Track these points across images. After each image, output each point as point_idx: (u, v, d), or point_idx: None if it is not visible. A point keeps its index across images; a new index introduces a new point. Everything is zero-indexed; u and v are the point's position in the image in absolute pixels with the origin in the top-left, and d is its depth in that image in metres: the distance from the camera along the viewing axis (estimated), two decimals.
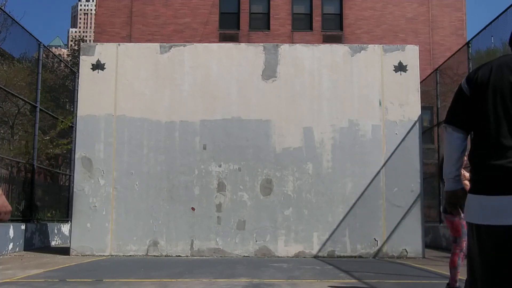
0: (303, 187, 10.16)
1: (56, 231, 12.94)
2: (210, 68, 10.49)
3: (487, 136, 2.30)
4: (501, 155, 2.24)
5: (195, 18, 23.90)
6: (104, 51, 10.52)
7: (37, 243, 11.51)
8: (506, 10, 9.83)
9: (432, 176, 14.12)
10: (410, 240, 9.96)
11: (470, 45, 11.43)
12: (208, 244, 10.00)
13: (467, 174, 5.44)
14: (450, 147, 2.44)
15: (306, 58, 10.56)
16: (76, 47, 36.60)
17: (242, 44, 11.46)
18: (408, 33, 23.54)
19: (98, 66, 10.42)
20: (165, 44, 10.81)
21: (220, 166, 10.19)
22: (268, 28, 24.03)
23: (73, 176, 11.15)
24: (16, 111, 16.13)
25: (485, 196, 2.26)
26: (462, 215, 2.48)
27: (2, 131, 16.74)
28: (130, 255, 9.86)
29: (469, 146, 2.49)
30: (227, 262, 8.73)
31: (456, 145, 2.42)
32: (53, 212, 13.52)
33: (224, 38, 23.10)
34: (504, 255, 2.19)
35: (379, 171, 10.19)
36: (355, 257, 9.95)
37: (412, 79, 10.33)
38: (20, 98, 13.61)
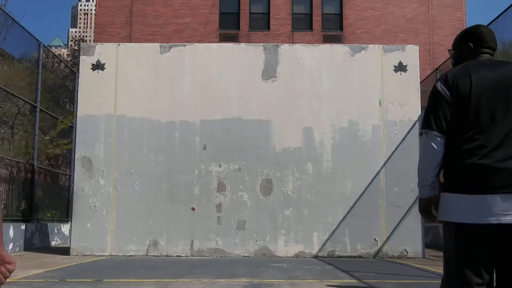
0: (303, 187, 10.16)
1: (56, 231, 12.94)
2: (210, 68, 10.49)
3: (470, 138, 2.36)
4: (486, 155, 2.32)
5: (195, 18, 23.91)
6: (104, 51, 10.52)
7: (37, 243, 11.51)
8: (506, 10, 9.83)
9: None
10: (410, 240, 9.96)
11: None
12: (208, 244, 10.00)
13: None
14: (431, 153, 2.46)
15: (306, 58, 10.56)
16: (76, 47, 36.63)
17: (242, 44, 11.46)
18: (408, 33, 23.55)
19: (98, 66, 10.42)
20: (165, 44, 10.81)
21: (220, 166, 10.19)
22: (268, 28, 24.03)
23: (73, 176, 11.15)
24: (16, 111, 16.12)
25: (470, 196, 2.32)
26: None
27: (2, 131, 16.74)
28: (130, 255, 9.86)
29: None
30: (227, 262, 8.73)
31: (439, 150, 2.44)
32: (53, 212, 13.52)
33: (224, 38, 23.10)
34: (485, 251, 2.29)
35: (379, 171, 10.19)
36: (355, 257, 9.95)
37: (412, 79, 10.33)
38: (20, 98, 13.61)
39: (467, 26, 24.20)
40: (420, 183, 2.52)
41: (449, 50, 2.80)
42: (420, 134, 2.54)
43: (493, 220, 2.27)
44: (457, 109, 2.40)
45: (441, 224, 2.53)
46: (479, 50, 2.58)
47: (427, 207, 2.51)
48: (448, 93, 2.41)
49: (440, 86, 2.45)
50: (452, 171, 2.41)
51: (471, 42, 2.60)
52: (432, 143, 2.44)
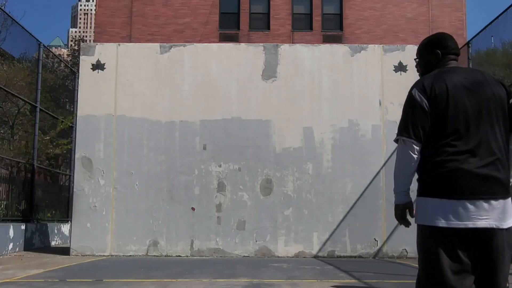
0: (303, 187, 10.16)
1: (56, 231, 12.94)
2: (210, 68, 10.49)
3: (448, 144, 2.42)
4: (465, 161, 2.38)
5: (195, 18, 23.90)
6: (104, 51, 10.52)
7: (37, 243, 11.51)
8: (506, 10, 9.82)
9: None
10: (410, 240, 9.94)
11: (470, 45, 11.43)
12: (208, 244, 10.00)
13: None
14: (408, 160, 2.50)
15: (306, 58, 10.56)
16: (76, 47, 36.64)
17: (242, 44, 11.45)
18: (408, 33, 23.54)
19: (98, 66, 10.42)
20: (165, 44, 10.81)
21: (220, 166, 10.19)
22: (268, 28, 24.03)
23: (73, 176, 11.15)
24: (16, 111, 16.14)
25: (448, 200, 2.38)
26: None
27: (2, 131, 16.75)
28: (130, 255, 9.86)
29: None
30: (227, 262, 8.73)
31: (416, 158, 2.49)
32: (53, 212, 13.52)
33: (224, 38, 23.10)
34: (463, 255, 2.35)
35: (379, 171, 10.19)
36: (355, 257, 9.95)
37: (412, 79, 10.29)
38: (20, 98, 13.62)
39: (467, 26, 24.18)
40: (396, 189, 2.57)
41: (415, 59, 2.84)
42: (396, 140, 2.59)
43: (470, 224, 2.34)
44: (434, 117, 2.46)
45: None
46: (446, 57, 2.65)
47: (403, 212, 2.57)
48: (426, 102, 2.46)
49: (417, 94, 2.49)
50: (430, 176, 2.45)
51: (439, 50, 2.66)
52: (410, 151, 2.49)
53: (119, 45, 10.71)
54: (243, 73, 10.49)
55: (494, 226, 2.35)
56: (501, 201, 2.38)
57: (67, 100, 17.40)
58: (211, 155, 10.21)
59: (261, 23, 24.19)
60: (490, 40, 11.26)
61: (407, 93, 2.61)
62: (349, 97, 10.43)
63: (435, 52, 2.66)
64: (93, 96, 10.31)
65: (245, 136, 10.26)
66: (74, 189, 10.20)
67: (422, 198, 2.48)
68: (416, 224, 2.56)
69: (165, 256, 9.91)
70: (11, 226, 10.21)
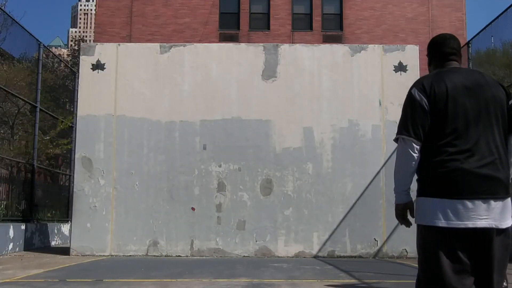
0: (303, 187, 10.16)
1: (56, 231, 12.94)
2: (210, 68, 10.48)
3: (449, 144, 2.42)
4: (465, 160, 2.39)
5: (195, 18, 23.90)
6: (104, 51, 10.52)
7: (37, 243, 11.51)
8: (506, 10, 9.83)
9: None
10: (410, 240, 9.95)
11: (470, 45, 11.44)
12: (208, 244, 10.00)
13: None
14: (408, 159, 2.51)
15: (306, 58, 10.56)
16: (76, 47, 36.66)
17: (242, 44, 11.45)
18: (408, 33, 23.54)
19: (98, 66, 10.41)
20: (165, 44, 10.81)
21: (220, 166, 10.19)
22: (268, 28, 24.03)
23: (73, 176, 11.15)
24: (16, 111, 16.15)
25: (449, 200, 2.38)
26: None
27: (2, 131, 16.75)
28: (130, 255, 9.86)
29: None
30: (227, 262, 8.73)
31: (415, 156, 2.50)
32: (53, 212, 13.52)
33: (224, 38, 23.10)
34: (463, 255, 2.35)
35: (379, 171, 10.19)
36: (355, 257, 9.95)
37: (412, 79, 10.31)
38: (20, 98, 13.62)
39: (467, 26, 24.16)
40: (397, 189, 2.57)
41: (426, 55, 2.88)
42: (396, 140, 2.59)
43: (470, 224, 2.34)
44: (434, 116, 2.46)
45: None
46: (447, 58, 2.68)
47: (404, 212, 2.57)
48: (426, 101, 2.47)
49: (417, 94, 2.51)
50: (430, 176, 2.45)
51: (440, 50, 2.70)
52: (410, 150, 2.50)
53: (119, 45, 10.71)
54: (243, 73, 10.49)
55: (494, 226, 2.35)
56: (500, 201, 2.38)
57: (67, 100, 17.41)
58: (211, 155, 10.21)
59: (261, 23, 24.19)
60: (490, 40, 11.27)
61: (406, 93, 2.62)
62: (349, 97, 10.43)
63: (436, 52, 2.70)
64: (93, 96, 10.31)
65: (245, 136, 10.26)
66: (74, 189, 10.20)
67: (422, 198, 2.48)
68: (416, 224, 2.55)
69: (165, 256, 9.91)
70: (11, 226, 10.21)
